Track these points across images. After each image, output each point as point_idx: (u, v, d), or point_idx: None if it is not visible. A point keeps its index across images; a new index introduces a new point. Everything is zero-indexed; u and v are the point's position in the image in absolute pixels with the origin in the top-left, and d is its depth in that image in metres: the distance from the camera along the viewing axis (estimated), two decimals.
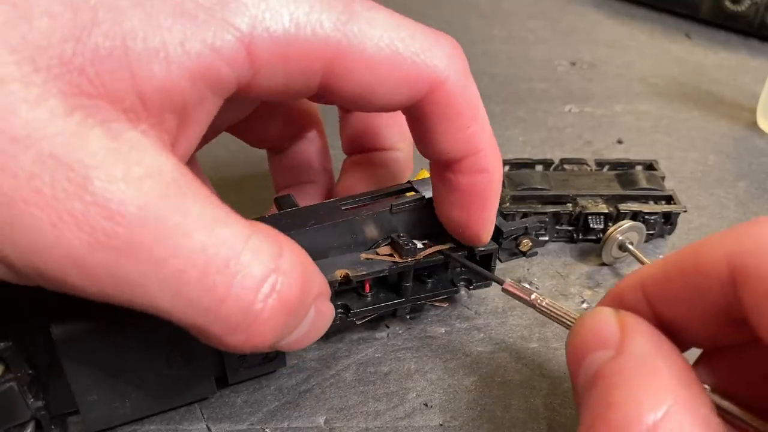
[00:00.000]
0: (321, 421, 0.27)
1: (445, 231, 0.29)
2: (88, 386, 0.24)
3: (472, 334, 0.31)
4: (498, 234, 0.30)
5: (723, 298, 0.21)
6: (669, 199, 0.37)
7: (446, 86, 0.24)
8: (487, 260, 0.30)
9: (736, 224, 0.22)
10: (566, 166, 0.39)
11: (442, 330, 0.32)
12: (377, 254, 0.28)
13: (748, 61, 0.57)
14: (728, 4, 0.60)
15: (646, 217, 0.36)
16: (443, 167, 0.27)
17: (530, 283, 0.34)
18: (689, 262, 0.22)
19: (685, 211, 0.36)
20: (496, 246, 0.30)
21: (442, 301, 0.32)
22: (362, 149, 0.33)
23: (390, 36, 0.23)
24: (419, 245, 0.29)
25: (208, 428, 0.27)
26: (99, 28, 0.19)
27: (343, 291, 0.28)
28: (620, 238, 0.35)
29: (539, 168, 0.39)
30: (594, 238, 0.37)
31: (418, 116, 0.25)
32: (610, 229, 0.35)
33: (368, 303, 0.29)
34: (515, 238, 0.31)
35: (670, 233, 0.37)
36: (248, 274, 0.20)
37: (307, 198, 0.33)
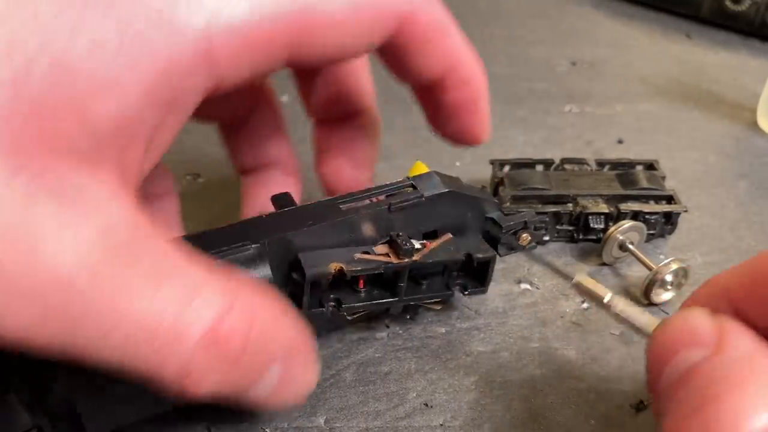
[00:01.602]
0: (321, 421, 0.27)
1: (442, 230, 0.29)
2: (88, 392, 0.24)
3: (473, 334, 0.31)
4: (497, 228, 0.30)
5: None
6: (670, 199, 0.37)
7: (413, 17, 0.24)
8: (484, 267, 0.30)
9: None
10: (567, 166, 0.39)
11: (443, 330, 0.31)
12: (373, 253, 0.28)
13: (748, 61, 0.57)
14: (728, 3, 0.60)
15: (646, 216, 0.36)
16: (425, 89, 0.27)
17: (531, 284, 0.34)
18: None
19: (685, 211, 0.36)
20: (494, 253, 0.29)
21: (435, 303, 0.32)
22: (335, 115, 0.31)
23: None
24: (417, 245, 0.28)
25: (208, 429, 0.27)
26: (37, 65, 0.17)
27: (337, 286, 0.28)
28: (621, 237, 0.34)
29: (540, 168, 0.39)
30: (594, 238, 0.36)
31: (392, 51, 0.25)
32: (611, 229, 0.34)
33: (361, 299, 0.28)
34: (514, 233, 0.31)
35: (670, 233, 0.37)
36: (191, 328, 0.19)
37: (278, 185, 0.32)
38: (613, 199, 0.36)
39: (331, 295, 0.28)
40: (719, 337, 0.20)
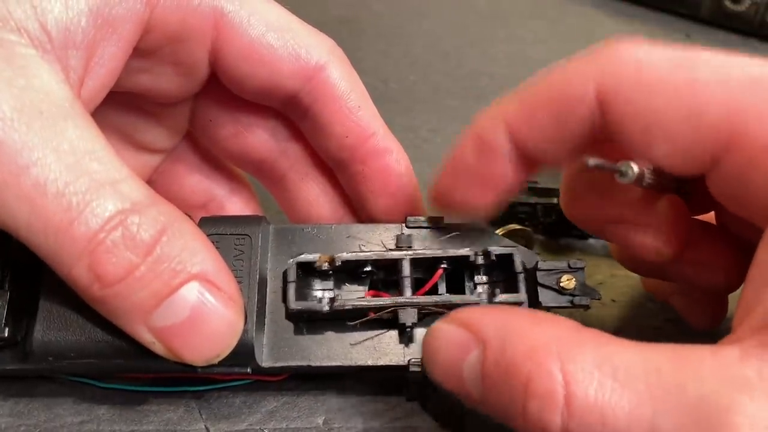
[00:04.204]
0: (320, 421, 0.27)
1: None
2: (53, 310, 0.24)
3: None
4: (533, 269, 0.27)
5: (589, 122, 0.22)
6: None
7: (327, 70, 0.26)
8: (507, 261, 0.27)
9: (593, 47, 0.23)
10: None
11: None
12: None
13: None
14: (728, 4, 0.59)
15: None
16: (347, 164, 0.28)
17: None
18: (555, 91, 0.23)
19: None
20: (515, 246, 0.27)
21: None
22: (357, 158, 0.29)
23: (277, 22, 0.26)
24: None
25: (207, 429, 0.27)
26: None
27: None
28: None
29: None
30: (578, 233, 0.37)
31: (307, 107, 0.27)
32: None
33: (363, 300, 0.26)
34: (556, 275, 0.26)
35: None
36: (101, 205, 0.20)
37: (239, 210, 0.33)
38: None
39: (326, 290, 0.27)
40: (475, 334, 0.22)
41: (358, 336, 0.26)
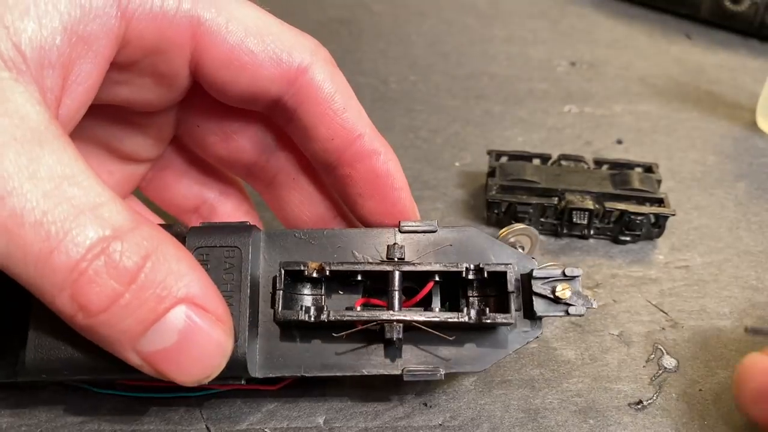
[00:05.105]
0: (320, 421, 0.27)
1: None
2: (44, 329, 0.24)
3: None
4: (527, 279, 0.26)
5: None
6: (660, 202, 0.37)
7: (310, 72, 0.26)
8: (501, 278, 0.25)
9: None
10: (563, 162, 0.39)
11: None
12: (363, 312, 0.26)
13: (747, 62, 0.57)
14: (728, 4, 0.60)
15: (632, 217, 0.36)
16: (334, 167, 0.27)
17: None
18: None
19: (673, 215, 0.36)
20: (510, 264, 0.26)
21: (448, 329, 0.26)
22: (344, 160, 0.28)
23: (255, 27, 0.25)
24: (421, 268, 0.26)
25: (208, 428, 0.27)
26: None
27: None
28: (511, 240, 0.34)
29: (536, 162, 0.39)
30: (578, 233, 0.37)
31: (292, 110, 0.26)
32: (502, 231, 0.34)
33: (351, 311, 0.26)
34: (551, 283, 0.26)
35: (658, 236, 0.37)
36: (82, 233, 0.20)
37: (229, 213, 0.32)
38: (601, 197, 0.36)
39: (312, 301, 0.26)
40: None
41: (346, 346, 0.26)
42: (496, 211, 0.37)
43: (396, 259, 0.26)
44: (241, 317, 0.24)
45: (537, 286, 0.26)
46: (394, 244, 0.26)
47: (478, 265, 0.25)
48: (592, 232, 0.37)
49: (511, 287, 0.25)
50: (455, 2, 0.67)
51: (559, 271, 0.26)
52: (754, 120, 0.48)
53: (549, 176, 0.37)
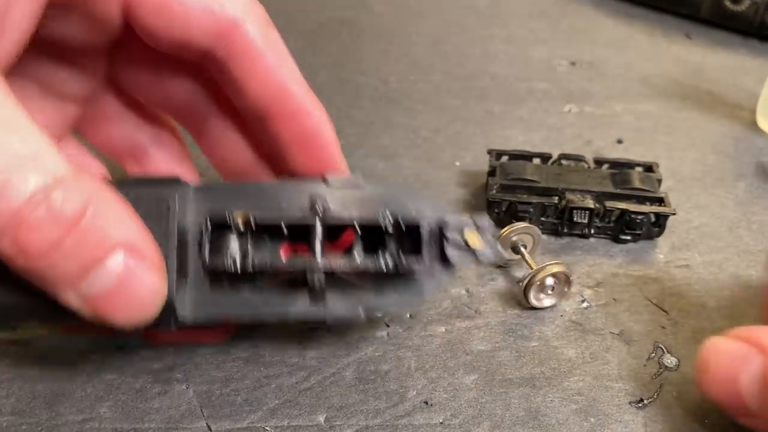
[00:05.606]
0: (321, 419, 0.27)
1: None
2: None
3: (472, 333, 0.31)
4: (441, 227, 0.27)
5: None
6: (660, 201, 0.37)
7: (243, 27, 0.26)
8: (415, 230, 0.27)
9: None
10: (564, 162, 0.39)
11: (443, 329, 0.32)
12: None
13: (748, 61, 0.57)
14: (728, 4, 0.60)
15: (632, 216, 0.36)
16: (263, 122, 0.28)
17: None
18: None
19: (673, 214, 0.36)
20: (426, 216, 0.27)
21: (366, 275, 0.27)
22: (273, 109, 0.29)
23: None
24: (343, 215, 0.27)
25: (209, 427, 0.27)
26: None
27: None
28: (513, 239, 0.34)
29: (537, 161, 0.39)
30: (579, 233, 0.37)
31: (224, 62, 0.27)
32: (504, 229, 0.34)
33: (276, 260, 0.27)
34: (460, 231, 0.27)
35: (658, 235, 0.37)
36: (23, 181, 0.20)
37: (165, 162, 0.33)
38: (602, 197, 0.36)
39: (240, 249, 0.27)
40: (756, 345, 0.24)
41: (273, 293, 0.27)
42: (496, 210, 0.37)
43: (320, 211, 0.27)
44: (169, 264, 0.25)
45: (450, 235, 0.27)
46: (319, 196, 0.27)
47: (396, 217, 0.27)
48: (592, 231, 0.37)
49: (425, 237, 0.27)
50: (455, 2, 0.67)
51: (471, 222, 0.27)
52: (754, 120, 0.48)
53: (549, 175, 0.37)
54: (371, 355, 0.30)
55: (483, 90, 0.52)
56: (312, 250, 0.26)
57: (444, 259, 0.27)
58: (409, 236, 0.27)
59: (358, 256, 0.27)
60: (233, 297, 0.26)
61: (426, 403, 0.28)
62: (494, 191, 0.37)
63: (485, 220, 0.27)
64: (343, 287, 0.27)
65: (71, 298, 0.22)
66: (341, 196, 0.27)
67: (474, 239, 0.27)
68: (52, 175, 0.21)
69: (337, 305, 0.27)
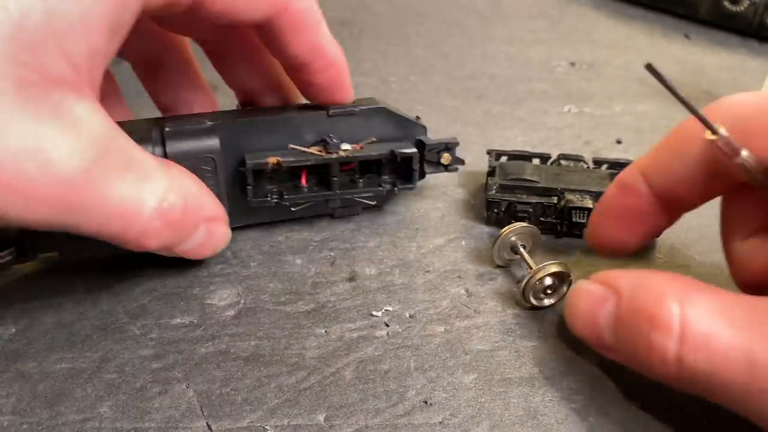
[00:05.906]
0: (321, 418, 0.28)
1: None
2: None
3: (472, 333, 0.31)
4: (421, 147, 0.36)
5: (703, 158, 0.27)
6: None
7: (295, 5, 0.31)
8: (408, 163, 0.36)
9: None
10: (563, 162, 0.39)
11: (442, 329, 0.32)
12: (305, 148, 0.34)
13: (747, 62, 0.57)
14: (727, 4, 0.60)
15: None
16: (297, 70, 0.34)
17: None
18: (673, 137, 0.30)
19: None
20: (415, 150, 0.35)
21: (370, 199, 0.37)
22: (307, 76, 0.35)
23: None
24: (347, 147, 0.34)
25: (208, 426, 0.27)
26: (31, 14, 0.22)
27: (282, 182, 0.35)
28: (513, 239, 0.34)
29: (536, 161, 0.40)
30: (578, 233, 0.37)
31: (273, 30, 0.32)
32: (504, 230, 0.34)
33: (302, 193, 0.35)
34: (438, 152, 0.36)
35: (657, 236, 0.37)
36: (143, 203, 0.27)
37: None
38: (601, 197, 0.36)
39: (274, 189, 0.35)
40: (609, 287, 0.27)
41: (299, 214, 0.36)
42: (495, 210, 0.37)
43: (331, 145, 0.34)
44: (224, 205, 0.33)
45: (428, 155, 0.37)
46: (328, 133, 0.35)
47: (393, 152, 0.35)
48: None
49: (415, 167, 0.36)
50: (455, 3, 0.67)
51: (443, 144, 0.37)
52: None
53: (549, 176, 0.37)
54: (371, 354, 0.30)
55: (482, 90, 0.52)
56: (331, 184, 0.35)
57: (422, 173, 0.37)
58: (403, 165, 0.36)
59: (360, 181, 0.36)
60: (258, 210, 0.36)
61: (425, 402, 0.28)
62: (494, 191, 0.37)
63: (453, 141, 0.37)
64: (352, 208, 0.38)
65: (162, 252, 0.30)
66: (345, 124, 0.35)
67: (447, 159, 0.37)
68: (162, 191, 0.28)
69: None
